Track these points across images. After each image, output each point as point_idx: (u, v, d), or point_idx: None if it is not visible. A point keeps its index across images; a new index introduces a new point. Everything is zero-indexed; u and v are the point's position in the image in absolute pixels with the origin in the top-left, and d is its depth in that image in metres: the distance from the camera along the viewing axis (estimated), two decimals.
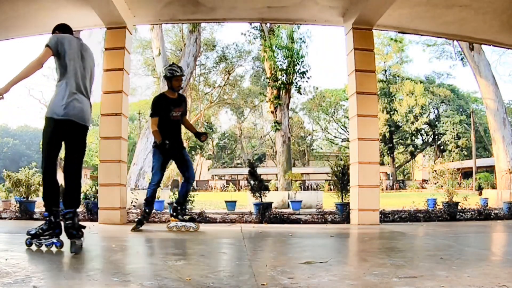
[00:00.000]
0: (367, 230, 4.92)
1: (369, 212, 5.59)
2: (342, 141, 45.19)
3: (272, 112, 15.82)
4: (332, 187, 7.56)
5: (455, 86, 42.32)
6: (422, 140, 43.50)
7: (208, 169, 47.09)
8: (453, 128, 38.10)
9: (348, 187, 6.23)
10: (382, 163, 41.84)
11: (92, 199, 6.19)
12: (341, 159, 6.87)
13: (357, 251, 3.31)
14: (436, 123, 41.31)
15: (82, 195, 6.53)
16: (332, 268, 2.36)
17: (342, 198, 6.44)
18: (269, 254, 3.18)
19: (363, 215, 5.57)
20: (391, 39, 30.40)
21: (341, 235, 4.58)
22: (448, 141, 38.38)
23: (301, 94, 16.77)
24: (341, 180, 6.48)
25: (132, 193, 9.63)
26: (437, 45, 29.25)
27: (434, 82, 41.79)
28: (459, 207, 6.57)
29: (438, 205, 7.29)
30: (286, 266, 2.47)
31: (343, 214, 6.05)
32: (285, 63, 15.34)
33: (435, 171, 8.63)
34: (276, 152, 16.20)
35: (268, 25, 15.24)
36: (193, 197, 7.05)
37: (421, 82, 39.49)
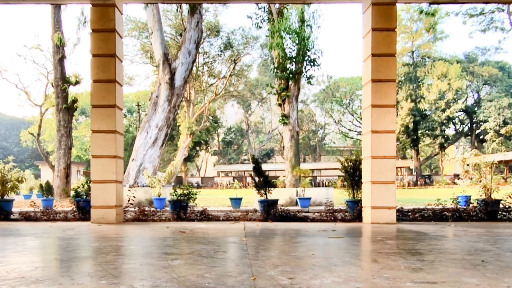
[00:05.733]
0: (381, 229, 4.85)
1: (383, 210, 5.52)
2: (357, 135, 44.72)
3: (279, 105, 15.70)
4: (345, 183, 7.42)
5: (506, 63, 37.76)
6: (455, 129, 40.17)
7: (214, 166, 47.29)
8: (499, 114, 34.06)
9: (360, 183, 6.17)
10: (404, 157, 40.58)
11: (84, 196, 6.17)
12: (352, 153, 6.79)
13: (367, 251, 3.26)
14: (475, 109, 37.52)
15: (72, 193, 6.48)
16: (337, 269, 2.34)
17: (353, 195, 6.39)
18: (271, 253, 3.16)
19: (377, 213, 5.52)
20: (421, 11, 28.86)
21: (351, 234, 4.53)
22: (490, 129, 34.31)
23: (311, 84, 16.59)
24: (352, 176, 6.43)
25: (129, 190, 9.70)
26: (484, 14, 24.84)
27: (476, 60, 38.06)
28: (501, 205, 6.17)
29: (471, 202, 6.88)
30: (287, 266, 2.46)
31: (354, 212, 6.01)
32: (294, 50, 15.16)
33: (468, 164, 8.10)
34: (284, 147, 16.12)
35: (276, 5, 14.98)
36: (195, 194, 7.08)
37: (457, 62, 36.12)
